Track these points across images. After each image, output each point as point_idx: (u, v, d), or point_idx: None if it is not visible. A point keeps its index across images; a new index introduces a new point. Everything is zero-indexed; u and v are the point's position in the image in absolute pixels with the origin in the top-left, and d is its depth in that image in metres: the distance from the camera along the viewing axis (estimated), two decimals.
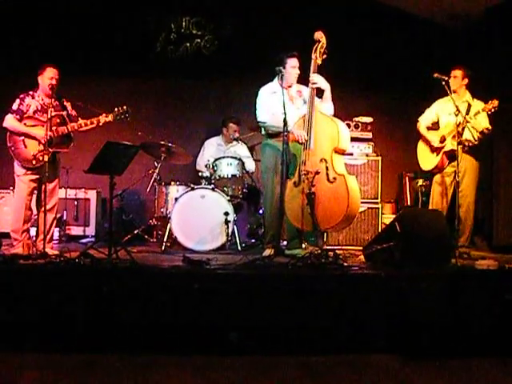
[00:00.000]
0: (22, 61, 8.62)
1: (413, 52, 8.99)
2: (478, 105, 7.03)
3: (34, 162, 6.43)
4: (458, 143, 6.71)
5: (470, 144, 6.99)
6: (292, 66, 6.70)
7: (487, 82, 8.35)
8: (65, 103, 6.71)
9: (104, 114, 6.60)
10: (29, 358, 4.73)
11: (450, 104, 6.99)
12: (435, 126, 7.42)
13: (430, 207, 7.30)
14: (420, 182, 8.45)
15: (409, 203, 8.71)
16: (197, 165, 8.72)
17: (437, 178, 7.34)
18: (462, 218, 6.96)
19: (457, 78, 7.16)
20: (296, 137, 6.38)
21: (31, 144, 6.46)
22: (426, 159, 7.38)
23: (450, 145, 7.06)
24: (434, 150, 7.27)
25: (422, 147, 7.47)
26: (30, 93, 6.59)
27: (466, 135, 6.95)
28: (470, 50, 8.57)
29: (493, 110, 6.86)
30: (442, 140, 7.17)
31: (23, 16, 8.86)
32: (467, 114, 6.93)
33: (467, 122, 6.82)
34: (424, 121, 7.45)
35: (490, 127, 7.01)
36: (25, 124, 6.49)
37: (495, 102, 6.84)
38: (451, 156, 7.09)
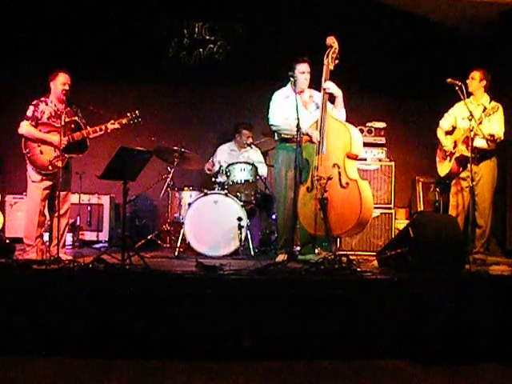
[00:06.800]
0: (33, 66, 8.67)
1: (426, 56, 8.96)
2: (492, 108, 6.86)
3: (50, 168, 6.45)
4: (472, 150, 6.67)
5: (482, 150, 6.86)
6: (301, 72, 6.69)
7: (501, 85, 8.32)
8: (75, 109, 6.74)
9: (112, 121, 6.63)
10: (41, 363, 4.75)
11: (470, 107, 6.96)
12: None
13: (450, 212, 7.24)
14: (433, 187, 8.42)
15: (422, 208, 8.68)
16: (205, 168, 8.67)
17: (453, 183, 7.25)
18: (479, 224, 6.92)
19: (474, 80, 7.04)
20: (310, 136, 6.37)
21: (47, 150, 6.48)
22: (441, 164, 7.31)
23: (460, 151, 6.98)
24: (448, 155, 7.19)
25: (438, 152, 7.39)
26: (43, 99, 6.60)
27: (476, 142, 6.85)
28: (484, 54, 8.53)
29: (491, 113, 6.79)
30: (455, 145, 7.10)
31: (35, 21, 8.90)
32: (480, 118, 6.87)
33: (472, 127, 6.73)
34: (443, 124, 7.34)
35: (499, 134, 6.86)
36: (40, 130, 6.51)
37: (496, 107, 6.80)
38: (462, 162, 7.02)
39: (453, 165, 7.10)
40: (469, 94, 7.07)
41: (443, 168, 7.26)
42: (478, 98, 7.08)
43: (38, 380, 4.48)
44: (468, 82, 7.02)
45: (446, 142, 7.21)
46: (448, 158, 7.17)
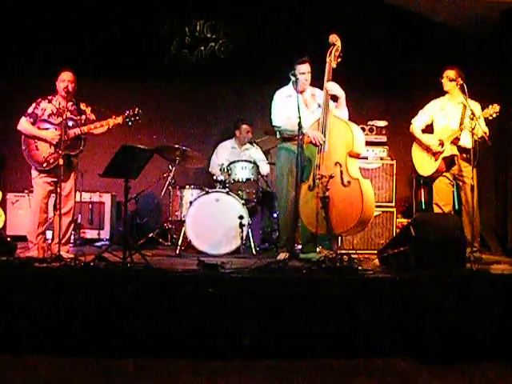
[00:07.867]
0: (33, 66, 8.71)
1: (427, 55, 8.95)
2: (474, 107, 6.72)
3: (44, 165, 6.49)
4: (458, 149, 6.69)
5: (468, 149, 6.72)
6: (301, 73, 6.65)
7: (502, 85, 8.31)
8: (83, 107, 6.75)
9: (114, 116, 6.64)
10: (41, 363, 4.74)
11: (449, 106, 6.95)
12: (428, 129, 7.28)
13: (435, 211, 7.21)
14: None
15: (423, 207, 8.67)
16: (210, 167, 8.72)
17: (437, 183, 7.18)
18: (470, 223, 6.89)
19: (449, 79, 7.00)
20: (312, 138, 6.36)
21: (43, 147, 6.51)
22: (424, 164, 7.18)
23: (450, 150, 6.91)
24: (433, 154, 7.08)
25: (417, 151, 7.27)
26: (49, 97, 6.65)
27: (463, 141, 6.83)
28: (485, 53, 8.53)
29: (494, 116, 6.72)
30: (441, 144, 6.99)
31: (35, 21, 8.90)
32: (462, 117, 6.83)
33: (474, 127, 6.68)
34: (418, 123, 7.27)
35: (487, 131, 6.83)
36: (38, 127, 6.54)
37: (496, 107, 6.70)
38: (450, 161, 6.99)
39: (440, 164, 7.02)
40: (445, 93, 7.11)
41: (428, 167, 7.13)
42: (455, 97, 7.02)
43: (38, 380, 4.48)
44: (443, 81, 7.01)
45: (430, 141, 7.10)
46: (434, 157, 7.10)
